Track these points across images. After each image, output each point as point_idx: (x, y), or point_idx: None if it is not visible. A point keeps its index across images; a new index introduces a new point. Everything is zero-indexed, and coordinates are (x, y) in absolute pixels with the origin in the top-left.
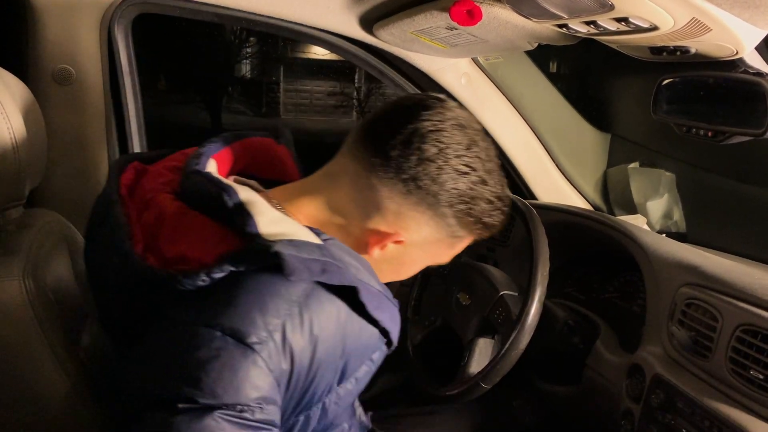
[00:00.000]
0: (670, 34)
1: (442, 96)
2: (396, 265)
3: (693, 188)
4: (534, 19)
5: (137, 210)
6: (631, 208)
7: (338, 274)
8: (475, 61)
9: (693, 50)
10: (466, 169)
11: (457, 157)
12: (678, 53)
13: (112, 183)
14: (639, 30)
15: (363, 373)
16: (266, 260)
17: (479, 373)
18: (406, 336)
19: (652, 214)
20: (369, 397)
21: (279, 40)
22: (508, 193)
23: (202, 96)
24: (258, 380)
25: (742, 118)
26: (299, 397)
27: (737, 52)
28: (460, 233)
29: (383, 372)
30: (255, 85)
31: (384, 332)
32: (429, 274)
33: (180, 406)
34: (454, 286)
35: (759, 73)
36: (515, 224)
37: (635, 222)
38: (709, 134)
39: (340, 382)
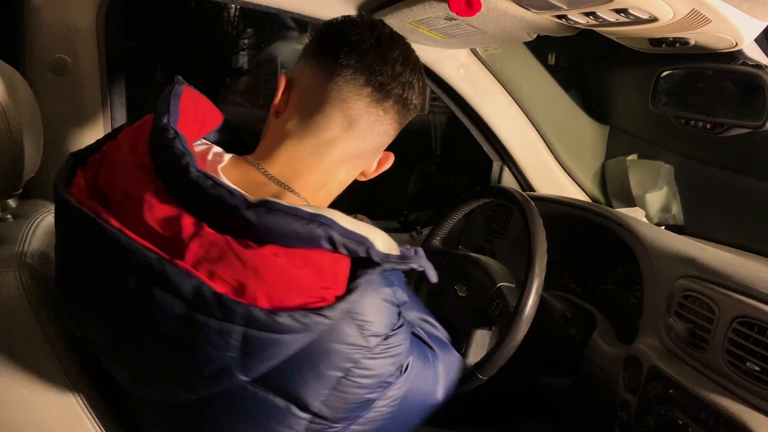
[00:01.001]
0: (670, 26)
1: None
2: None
3: (691, 180)
4: (533, 10)
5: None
6: (630, 201)
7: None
8: (474, 52)
9: (692, 42)
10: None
11: (421, 71)
12: (677, 45)
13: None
14: (638, 21)
15: None
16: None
17: (476, 364)
18: None
19: (650, 207)
20: None
21: (277, 32)
22: None
23: (200, 88)
24: None
25: (741, 110)
26: None
27: (737, 44)
28: None
29: None
30: (253, 76)
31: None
32: None
33: None
34: (452, 278)
35: (758, 65)
36: (513, 216)
37: (634, 214)
38: (708, 126)
39: None
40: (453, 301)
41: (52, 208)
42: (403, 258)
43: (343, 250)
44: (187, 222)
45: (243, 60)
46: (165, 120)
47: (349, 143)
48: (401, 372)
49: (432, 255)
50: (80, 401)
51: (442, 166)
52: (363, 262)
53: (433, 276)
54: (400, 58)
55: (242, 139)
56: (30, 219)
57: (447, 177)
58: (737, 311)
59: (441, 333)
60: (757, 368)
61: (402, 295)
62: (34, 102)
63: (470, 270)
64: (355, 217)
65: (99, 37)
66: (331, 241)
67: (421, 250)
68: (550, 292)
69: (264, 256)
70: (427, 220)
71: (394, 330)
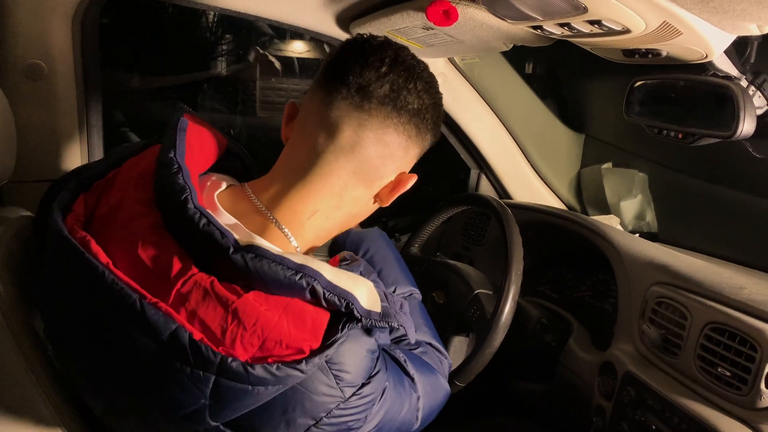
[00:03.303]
0: (642, 37)
1: (373, 35)
2: (360, 212)
3: (665, 189)
4: (509, 21)
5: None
6: (605, 208)
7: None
8: (452, 61)
9: (664, 53)
10: (436, 88)
11: (426, 76)
12: (650, 56)
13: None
14: (611, 32)
15: None
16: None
17: (454, 371)
18: None
19: (625, 214)
20: None
21: (256, 38)
22: None
23: (178, 93)
24: None
25: (712, 120)
26: None
27: (707, 56)
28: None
29: None
30: (231, 82)
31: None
32: None
33: None
34: (430, 285)
35: (728, 77)
36: (491, 223)
37: (609, 222)
38: (680, 136)
39: None
40: (431, 308)
41: (25, 215)
42: (384, 317)
43: (325, 303)
44: (177, 259)
45: (221, 66)
46: (171, 154)
47: (336, 156)
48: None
49: (410, 262)
50: (51, 411)
51: (420, 173)
52: (345, 314)
53: (412, 336)
54: (387, 60)
55: (245, 164)
56: (3, 227)
57: (425, 184)
58: (709, 317)
59: (435, 358)
60: (727, 373)
61: (384, 336)
62: (7, 108)
63: (448, 277)
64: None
65: (75, 43)
66: (314, 293)
67: (406, 305)
68: (526, 299)
69: (247, 302)
70: (406, 227)
71: (370, 377)
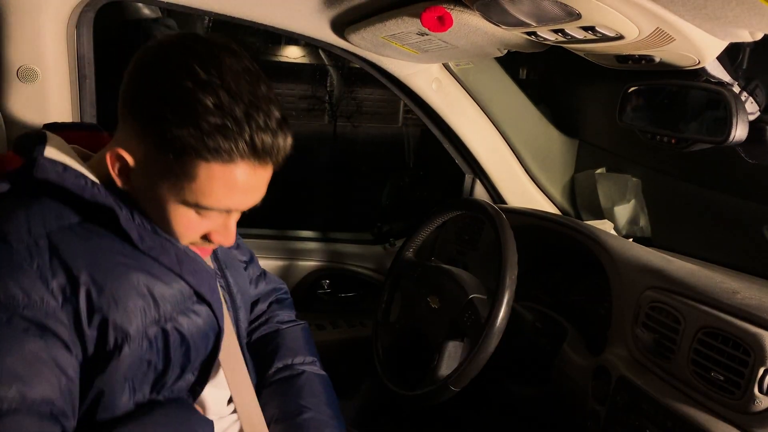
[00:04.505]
0: (635, 43)
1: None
2: (152, 205)
3: (658, 193)
4: (503, 27)
5: None
6: (599, 213)
7: (93, 192)
8: (446, 66)
9: (657, 59)
10: (175, 72)
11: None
12: (643, 62)
13: None
14: (605, 39)
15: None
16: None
17: (448, 375)
18: (376, 339)
19: (619, 219)
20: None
21: (251, 43)
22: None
23: None
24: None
25: (704, 126)
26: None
27: (699, 62)
28: (185, 151)
29: (362, 377)
30: None
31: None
32: (399, 276)
33: None
34: (424, 290)
35: (720, 83)
36: (485, 228)
37: (602, 227)
38: (673, 141)
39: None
40: (426, 312)
41: None
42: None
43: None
44: None
45: None
46: None
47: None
48: None
49: (405, 266)
50: None
51: (415, 178)
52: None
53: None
54: None
55: None
56: None
57: (420, 189)
58: (702, 322)
59: None
60: (721, 377)
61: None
62: None
63: (443, 282)
64: None
65: (69, 47)
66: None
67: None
68: (520, 303)
69: None
70: (400, 231)
71: None
